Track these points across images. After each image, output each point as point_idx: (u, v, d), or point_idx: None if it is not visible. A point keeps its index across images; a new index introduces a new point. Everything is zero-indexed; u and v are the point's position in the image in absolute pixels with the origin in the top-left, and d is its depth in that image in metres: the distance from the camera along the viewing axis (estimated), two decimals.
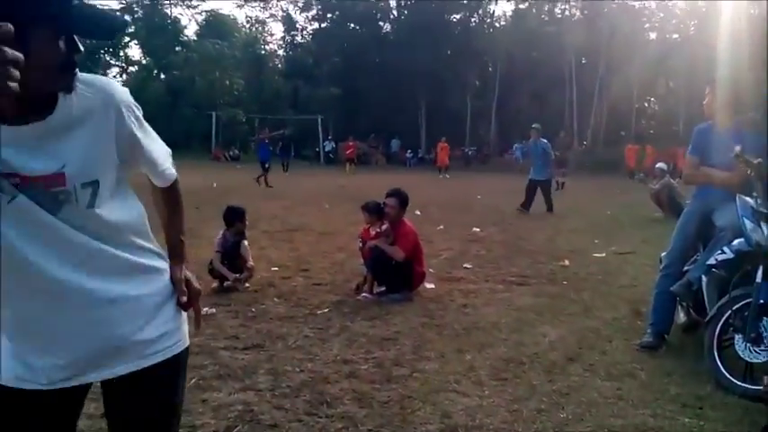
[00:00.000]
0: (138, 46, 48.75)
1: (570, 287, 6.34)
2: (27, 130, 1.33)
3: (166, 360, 1.59)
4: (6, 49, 0.97)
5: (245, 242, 6.25)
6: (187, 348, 1.69)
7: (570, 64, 41.07)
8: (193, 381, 3.66)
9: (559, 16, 46.34)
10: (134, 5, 48.63)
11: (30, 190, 1.34)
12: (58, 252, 1.39)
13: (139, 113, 1.52)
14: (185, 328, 1.69)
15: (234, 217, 6.20)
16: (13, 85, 0.99)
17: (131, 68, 48.64)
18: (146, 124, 1.56)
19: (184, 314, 1.69)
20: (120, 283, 1.49)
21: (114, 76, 48.04)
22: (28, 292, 1.41)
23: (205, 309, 5.15)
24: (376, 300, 5.68)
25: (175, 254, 1.72)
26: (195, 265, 6.90)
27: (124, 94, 1.49)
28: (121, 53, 48.41)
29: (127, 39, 48.43)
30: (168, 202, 1.77)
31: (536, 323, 5.05)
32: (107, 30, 1.38)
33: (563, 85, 41.91)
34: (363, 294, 5.76)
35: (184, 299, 1.65)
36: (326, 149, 39.75)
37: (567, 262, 7.65)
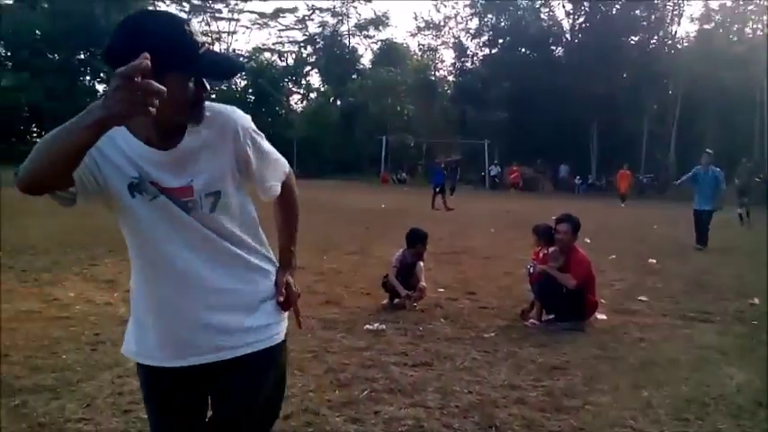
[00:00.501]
0: (318, 74, 51.90)
1: (761, 327, 5.80)
2: (165, 153, 1.64)
3: (263, 349, 1.80)
4: (151, 81, 1.24)
5: (421, 263, 6.39)
6: (283, 343, 1.89)
7: (762, 86, 37.69)
8: (366, 392, 3.82)
9: (750, 36, 42.83)
10: (316, 37, 51.89)
11: (168, 196, 1.66)
12: (186, 243, 1.70)
13: (257, 136, 1.78)
14: (284, 325, 1.90)
15: (416, 239, 6.37)
16: (153, 110, 1.26)
17: (311, 95, 51.74)
18: (263, 146, 1.81)
19: (284, 313, 1.90)
20: (232, 276, 1.76)
21: (296, 102, 51.39)
22: (159, 276, 1.73)
23: (375, 324, 5.37)
24: (544, 327, 5.58)
25: (283, 260, 1.96)
26: (365, 281, 7.23)
27: (244, 119, 1.75)
28: (303, 81, 51.68)
29: (308, 68, 51.71)
30: (282, 215, 2.02)
31: (720, 363, 4.69)
32: (228, 71, 1.69)
33: (752, 109, 38.50)
34: (531, 321, 5.68)
35: (281, 299, 1.87)
36: (492, 174, 39.55)
37: (756, 300, 7.01)
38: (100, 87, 41.32)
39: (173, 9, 44.12)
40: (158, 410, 1.86)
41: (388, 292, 6.24)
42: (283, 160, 1.91)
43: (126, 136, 1.61)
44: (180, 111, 1.56)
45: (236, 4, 52.48)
